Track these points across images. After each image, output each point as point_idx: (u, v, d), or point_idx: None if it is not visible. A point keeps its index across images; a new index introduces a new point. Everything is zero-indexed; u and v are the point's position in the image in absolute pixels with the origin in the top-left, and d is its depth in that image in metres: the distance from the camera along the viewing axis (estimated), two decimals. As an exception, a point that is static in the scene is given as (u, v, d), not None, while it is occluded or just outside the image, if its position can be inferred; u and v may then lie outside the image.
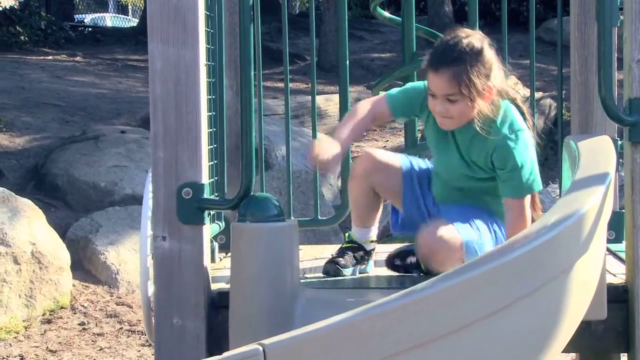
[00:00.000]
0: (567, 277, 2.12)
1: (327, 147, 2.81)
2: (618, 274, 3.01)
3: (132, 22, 23.10)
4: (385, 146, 9.12)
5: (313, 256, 3.40)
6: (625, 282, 2.90)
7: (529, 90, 3.78)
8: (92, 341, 5.62)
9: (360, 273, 3.07)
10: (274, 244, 2.66)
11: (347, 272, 3.01)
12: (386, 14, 3.91)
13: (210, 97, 3.09)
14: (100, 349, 5.52)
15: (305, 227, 3.66)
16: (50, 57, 12.77)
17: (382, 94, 3.10)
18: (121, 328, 5.81)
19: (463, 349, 1.88)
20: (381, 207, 3.06)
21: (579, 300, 2.23)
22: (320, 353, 1.73)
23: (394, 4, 13.49)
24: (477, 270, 1.92)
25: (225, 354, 1.70)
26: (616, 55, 3.13)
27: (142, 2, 23.81)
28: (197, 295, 2.80)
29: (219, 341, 2.79)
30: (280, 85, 10.30)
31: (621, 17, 3.09)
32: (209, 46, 3.06)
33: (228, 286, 2.77)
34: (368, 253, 3.07)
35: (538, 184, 2.84)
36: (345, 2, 3.52)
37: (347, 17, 3.52)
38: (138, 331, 5.74)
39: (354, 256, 3.03)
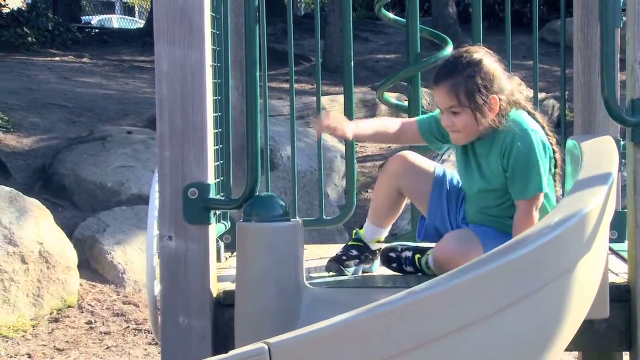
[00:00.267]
0: (570, 276, 2.12)
1: (338, 117, 2.95)
2: (620, 273, 3.01)
3: (139, 23, 23.13)
4: (389, 146, 9.11)
5: (318, 255, 3.40)
6: (627, 282, 2.90)
7: (532, 90, 3.78)
8: (99, 340, 5.63)
9: (364, 272, 3.07)
10: (279, 243, 2.67)
11: (350, 271, 3.02)
12: (390, 15, 3.90)
13: (216, 97, 3.09)
14: (107, 348, 5.53)
15: (310, 226, 3.66)
16: (57, 58, 12.79)
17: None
18: (128, 327, 5.82)
19: (466, 348, 1.88)
20: (400, 211, 3.08)
21: (582, 299, 2.23)
22: (324, 352, 1.74)
23: (398, 5, 13.48)
24: (481, 269, 1.92)
25: (231, 353, 1.70)
26: (619, 56, 3.13)
27: (149, 3, 23.84)
28: (202, 294, 2.81)
29: (224, 340, 2.79)
30: (286, 86, 10.31)
31: (624, 18, 3.09)
32: (214, 47, 3.06)
33: (234, 285, 2.77)
34: (373, 253, 3.07)
35: (543, 186, 2.82)
36: (350, 4, 3.52)
37: (351, 18, 3.52)
38: (144, 330, 5.75)
39: (358, 255, 3.04)
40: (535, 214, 2.82)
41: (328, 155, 8.01)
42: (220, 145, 3.19)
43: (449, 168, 3.12)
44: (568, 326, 2.14)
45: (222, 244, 3.43)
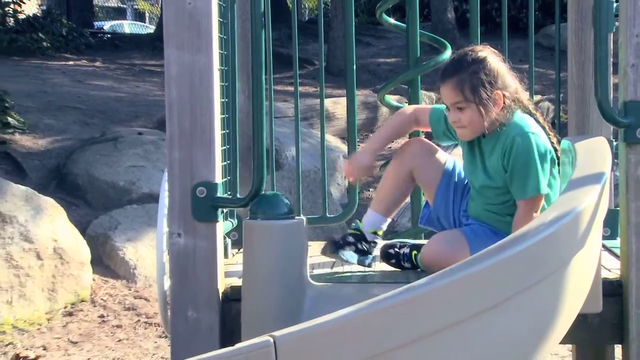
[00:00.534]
0: (565, 272, 2.11)
1: (357, 166, 2.99)
2: (613, 269, 3.00)
3: (149, 29, 23.13)
4: (390, 147, 9.09)
5: (321, 252, 3.39)
6: (619, 277, 2.89)
7: (528, 93, 3.77)
8: (111, 333, 5.64)
9: (359, 263, 3.02)
10: (284, 240, 2.66)
11: (345, 255, 2.97)
12: (391, 20, 3.90)
13: (223, 100, 3.09)
14: (119, 340, 5.53)
15: (313, 224, 3.65)
16: (71, 63, 12.79)
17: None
18: (139, 320, 5.82)
19: (464, 341, 1.87)
20: (405, 201, 3.06)
21: (576, 294, 2.23)
22: (327, 344, 1.73)
23: (399, 11, 13.48)
24: (479, 265, 1.91)
25: (238, 345, 1.70)
26: (612, 59, 3.12)
27: (159, 9, 23.84)
28: (211, 289, 2.81)
29: (231, 333, 2.79)
30: (290, 88, 10.30)
31: (616, 23, 3.09)
32: (222, 51, 3.06)
33: (240, 280, 2.77)
34: (368, 243, 3.00)
35: (543, 188, 2.81)
36: (353, 9, 3.51)
37: (354, 23, 3.52)
38: (155, 323, 5.75)
39: (354, 242, 2.99)
40: (535, 215, 2.79)
41: (331, 155, 8.01)
42: (228, 146, 3.19)
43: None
44: (563, 320, 2.14)
45: (229, 241, 3.43)
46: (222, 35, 3.06)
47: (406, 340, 1.79)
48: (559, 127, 3.80)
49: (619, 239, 3.02)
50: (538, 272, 2.01)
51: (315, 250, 3.10)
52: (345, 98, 3.58)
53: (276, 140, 7.05)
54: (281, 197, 2.74)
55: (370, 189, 8.40)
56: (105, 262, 6.40)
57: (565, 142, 2.96)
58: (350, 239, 3.00)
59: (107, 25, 22.49)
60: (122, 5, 30.63)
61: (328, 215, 3.73)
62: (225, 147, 3.11)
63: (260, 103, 2.83)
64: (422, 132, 3.29)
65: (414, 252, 2.97)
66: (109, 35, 17.08)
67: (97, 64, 13.01)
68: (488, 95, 2.79)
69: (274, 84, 3.80)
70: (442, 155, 3.05)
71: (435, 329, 1.82)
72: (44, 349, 5.32)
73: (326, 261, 3.10)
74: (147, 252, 6.39)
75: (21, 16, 13.70)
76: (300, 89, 3.81)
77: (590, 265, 2.38)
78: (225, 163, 3.09)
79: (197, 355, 1.69)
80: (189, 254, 2.80)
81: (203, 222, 2.80)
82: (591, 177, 2.39)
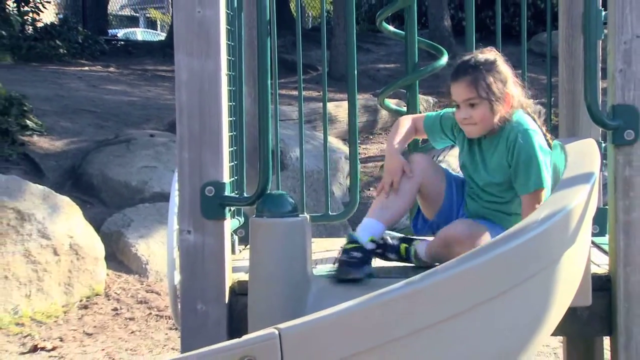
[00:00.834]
0: (556, 267, 2.11)
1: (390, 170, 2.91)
2: (602, 264, 3.00)
3: (161, 36, 23.13)
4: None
5: (324, 248, 3.40)
6: (608, 272, 2.89)
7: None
8: (124, 325, 5.64)
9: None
10: (288, 237, 2.66)
11: (365, 271, 2.83)
12: (391, 28, 3.89)
13: (230, 103, 3.08)
14: (132, 332, 5.53)
15: (317, 222, 3.65)
16: (86, 68, 12.80)
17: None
18: (150, 313, 5.82)
19: (462, 333, 1.87)
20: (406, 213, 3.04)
21: (567, 288, 2.22)
22: (330, 336, 1.73)
23: (398, 19, 13.45)
24: (475, 260, 1.91)
25: (244, 337, 1.70)
26: (601, 65, 3.11)
27: (170, 18, 23.86)
28: (219, 283, 2.80)
29: (238, 325, 2.79)
30: (295, 93, 10.30)
31: (605, 31, 3.08)
32: (229, 57, 3.06)
33: (247, 275, 2.77)
34: (369, 252, 2.86)
35: (544, 181, 2.80)
36: (354, 18, 3.51)
37: (355, 31, 3.51)
38: (166, 316, 5.75)
39: (364, 259, 2.84)
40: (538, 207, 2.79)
41: (333, 156, 8.00)
42: (235, 147, 3.18)
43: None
44: (554, 313, 2.14)
45: (236, 238, 3.43)
46: (229, 42, 3.06)
47: (406, 332, 1.79)
48: (550, 130, 3.79)
49: (607, 235, 3.02)
50: (531, 267, 2.00)
51: (318, 246, 3.10)
52: (346, 102, 3.58)
53: (281, 141, 7.05)
54: (286, 196, 2.74)
55: (371, 188, 8.40)
56: (119, 257, 6.40)
57: (556, 144, 2.95)
58: (357, 254, 2.81)
59: (120, 32, 22.49)
60: (135, 14, 30.64)
61: (330, 213, 3.72)
62: (232, 149, 3.11)
63: (266, 106, 2.82)
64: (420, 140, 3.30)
65: (404, 244, 2.93)
66: (122, 42, 17.08)
67: (111, 69, 13.01)
68: (500, 93, 2.79)
69: (279, 89, 3.80)
70: (440, 167, 3.06)
71: (433, 321, 1.82)
72: (61, 340, 5.32)
73: (329, 257, 3.10)
74: (158, 249, 6.39)
75: (39, 24, 13.73)
76: (304, 93, 3.80)
77: (580, 260, 2.38)
78: (232, 163, 3.09)
79: (206, 347, 1.69)
80: (198, 250, 2.80)
81: (211, 220, 2.80)
82: (581, 177, 2.38)
